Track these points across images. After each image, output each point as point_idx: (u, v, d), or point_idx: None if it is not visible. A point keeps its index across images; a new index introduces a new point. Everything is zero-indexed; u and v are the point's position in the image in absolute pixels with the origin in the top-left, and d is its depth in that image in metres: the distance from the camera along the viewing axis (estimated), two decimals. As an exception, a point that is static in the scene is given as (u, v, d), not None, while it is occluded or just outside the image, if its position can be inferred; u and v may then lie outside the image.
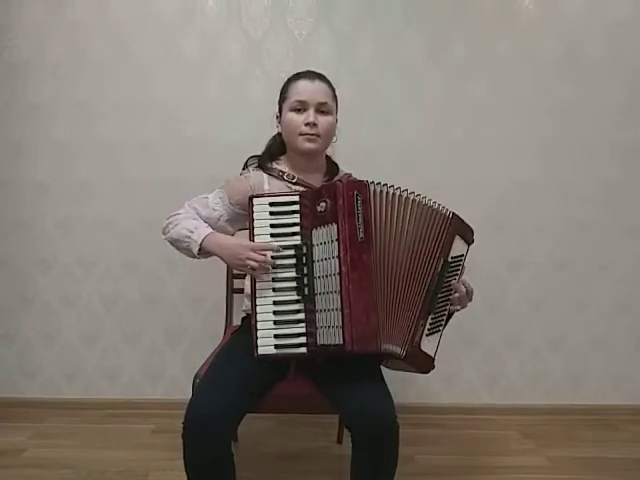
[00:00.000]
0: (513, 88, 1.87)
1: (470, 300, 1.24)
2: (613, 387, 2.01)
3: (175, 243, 1.26)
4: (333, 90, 1.29)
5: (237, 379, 1.13)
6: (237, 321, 1.55)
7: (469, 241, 1.25)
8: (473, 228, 1.25)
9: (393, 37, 1.84)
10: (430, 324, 1.16)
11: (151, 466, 1.62)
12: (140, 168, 1.90)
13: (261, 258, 1.11)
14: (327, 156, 1.36)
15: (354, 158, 1.79)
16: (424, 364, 1.17)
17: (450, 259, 1.19)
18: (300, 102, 1.23)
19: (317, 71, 1.29)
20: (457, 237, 1.20)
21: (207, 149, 1.88)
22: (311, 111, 1.23)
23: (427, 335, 1.16)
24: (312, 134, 1.23)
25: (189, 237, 1.20)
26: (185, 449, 1.08)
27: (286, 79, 1.31)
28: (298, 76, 1.28)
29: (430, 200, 1.17)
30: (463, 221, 1.22)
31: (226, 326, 1.69)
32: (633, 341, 1.99)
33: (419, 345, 1.14)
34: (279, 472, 1.60)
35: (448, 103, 1.87)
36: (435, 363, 1.19)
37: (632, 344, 1.99)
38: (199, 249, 1.19)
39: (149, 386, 2.01)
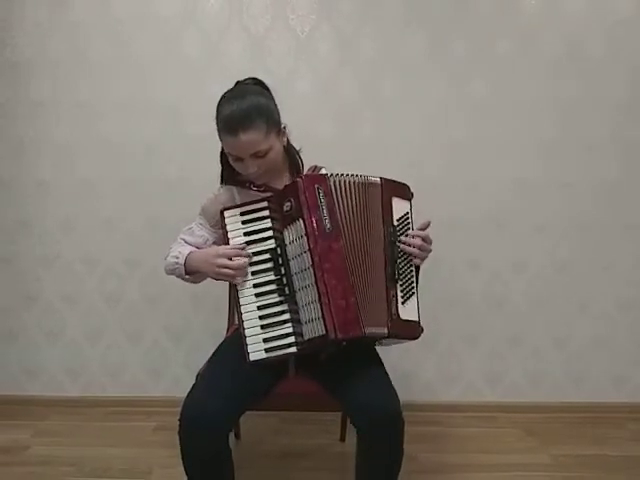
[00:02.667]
0: (514, 87, 1.86)
1: (430, 248, 1.21)
2: (615, 385, 2.01)
3: (172, 273, 1.29)
4: (265, 122, 1.14)
5: (234, 378, 1.13)
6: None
7: (408, 197, 1.25)
8: (409, 185, 1.25)
9: (395, 35, 1.84)
10: (402, 291, 1.17)
11: (154, 463, 1.63)
12: (142, 167, 1.90)
13: (234, 264, 1.12)
14: (286, 150, 1.29)
15: (354, 156, 1.81)
16: (411, 331, 1.18)
17: (396, 222, 1.19)
18: (233, 155, 1.19)
19: (239, 105, 1.14)
20: (395, 199, 1.20)
21: (209, 148, 1.86)
22: (248, 161, 1.17)
23: (402, 303, 1.16)
24: (257, 176, 1.21)
25: (177, 263, 1.24)
26: (181, 446, 1.09)
27: (217, 104, 1.22)
28: (222, 122, 1.17)
29: (362, 176, 1.17)
30: (394, 181, 1.22)
31: (228, 324, 1.69)
32: (635, 340, 1.99)
33: (398, 316, 1.14)
34: (282, 470, 1.60)
35: (449, 101, 1.87)
36: (422, 326, 1.19)
37: (634, 343, 1.99)
38: (185, 270, 1.24)
39: (152, 384, 2.01)
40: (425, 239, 1.19)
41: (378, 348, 1.27)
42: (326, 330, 1.03)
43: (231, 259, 1.14)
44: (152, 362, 2.01)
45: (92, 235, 1.94)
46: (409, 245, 1.17)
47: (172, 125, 1.88)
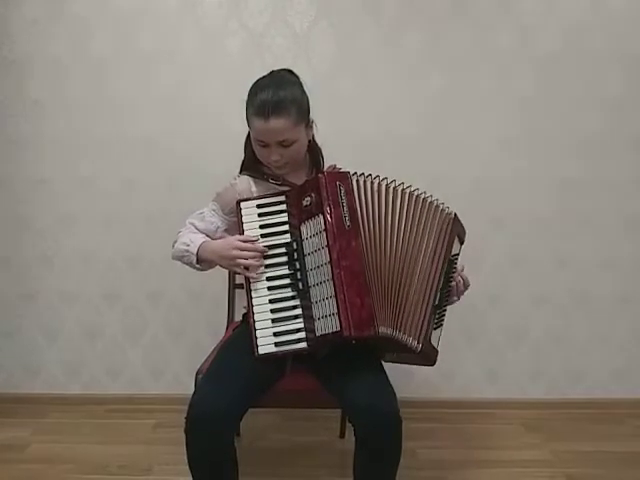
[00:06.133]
0: (513, 82, 1.85)
1: (465, 290, 1.28)
2: (615, 381, 2.00)
3: (179, 260, 1.28)
4: (297, 112, 1.17)
5: (239, 375, 1.13)
6: (239, 317, 1.55)
7: (463, 240, 1.30)
8: (465, 224, 1.30)
9: (393, 31, 1.83)
10: (436, 318, 1.19)
11: (154, 461, 1.63)
12: (142, 165, 1.90)
13: (250, 254, 1.13)
14: (310, 146, 1.32)
15: (354, 151, 1.80)
16: (432, 357, 1.20)
17: (451, 257, 1.22)
18: (259, 140, 1.19)
19: (275, 91, 1.16)
20: (455, 237, 1.25)
21: (209, 145, 1.88)
22: (273, 148, 1.19)
23: (434, 329, 1.19)
24: (279, 165, 1.22)
25: (187, 250, 1.23)
26: (188, 445, 1.08)
27: (250, 89, 1.22)
28: (254, 106, 1.17)
29: (432, 197, 1.20)
30: (460, 221, 1.27)
31: (228, 322, 1.69)
32: (635, 335, 1.99)
33: (430, 339, 1.16)
34: (281, 467, 1.61)
35: (449, 98, 1.86)
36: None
37: (634, 338, 1.99)
38: (197, 259, 1.23)
39: (151, 382, 2.01)
40: (465, 284, 1.26)
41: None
42: (341, 326, 1.02)
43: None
44: (152, 360, 2.01)
45: (91, 233, 1.94)
46: (457, 284, 1.24)
47: (172, 122, 1.87)
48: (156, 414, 1.91)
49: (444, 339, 1.24)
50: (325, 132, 1.85)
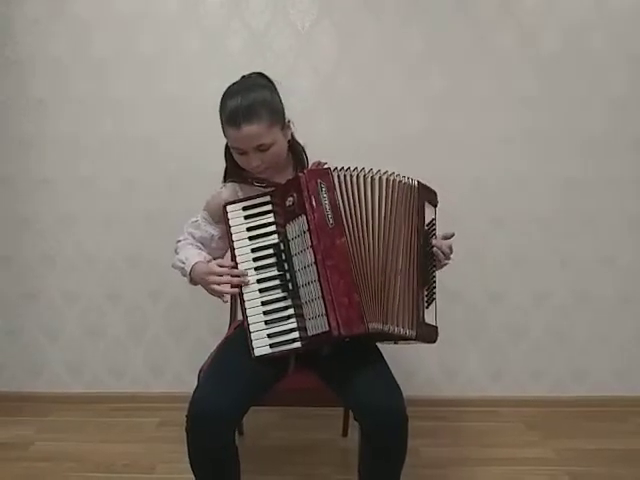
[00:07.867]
0: (514, 81, 1.85)
1: (451, 257, 1.23)
2: (617, 379, 2.00)
3: (176, 270, 1.29)
4: (269, 115, 1.14)
5: (240, 374, 1.14)
6: (241, 315, 1.55)
7: (435, 203, 1.26)
8: (436, 191, 1.26)
9: (395, 30, 1.83)
10: (426, 295, 1.18)
11: (157, 459, 1.64)
12: (142, 165, 1.90)
13: (224, 279, 1.13)
14: (291, 146, 1.29)
15: (354, 151, 1.80)
16: (431, 336, 1.19)
17: (426, 227, 1.20)
18: (236, 148, 1.18)
19: (244, 97, 1.14)
20: (426, 203, 1.21)
21: (210, 145, 1.87)
22: (251, 155, 1.17)
23: (426, 307, 1.17)
24: (260, 170, 1.21)
25: (183, 268, 1.24)
26: (189, 444, 1.09)
27: (221, 98, 1.20)
28: (226, 114, 1.15)
29: (394, 174, 1.17)
30: (426, 186, 1.23)
31: (230, 320, 1.69)
32: (636, 334, 1.98)
33: (424, 320, 1.15)
34: (284, 465, 1.61)
35: (449, 96, 1.86)
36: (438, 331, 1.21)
37: (635, 337, 1.99)
38: (190, 279, 1.24)
39: (154, 380, 2.02)
40: (450, 248, 1.21)
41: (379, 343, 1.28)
42: (329, 326, 1.02)
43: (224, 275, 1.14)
44: (154, 358, 2.01)
45: (92, 232, 1.95)
46: (439, 250, 1.19)
47: (174, 122, 1.87)
48: (160, 412, 1.92)
49: (446, 338, 1.23)
50: (325, 132, 1.87)
